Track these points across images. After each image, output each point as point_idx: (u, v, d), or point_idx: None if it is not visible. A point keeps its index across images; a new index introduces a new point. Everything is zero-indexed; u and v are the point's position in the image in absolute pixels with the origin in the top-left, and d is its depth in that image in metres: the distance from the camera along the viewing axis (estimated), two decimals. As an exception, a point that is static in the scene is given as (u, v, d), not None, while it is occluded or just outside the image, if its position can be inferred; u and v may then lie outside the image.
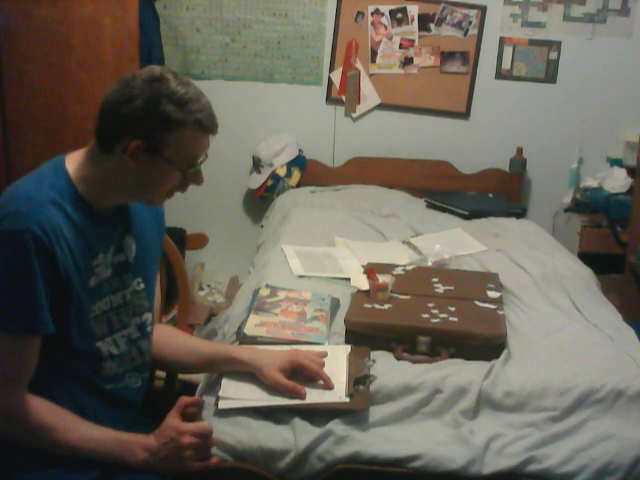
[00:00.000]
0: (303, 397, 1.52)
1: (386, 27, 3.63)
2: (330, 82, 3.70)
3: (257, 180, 3.64)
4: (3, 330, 1.31)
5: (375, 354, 1.74)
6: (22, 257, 1.28)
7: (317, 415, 1.52)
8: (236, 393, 1.55)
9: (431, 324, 1.81)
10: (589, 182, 3.55)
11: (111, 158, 1.38)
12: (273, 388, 1.54)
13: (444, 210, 3.33)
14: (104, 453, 1.37)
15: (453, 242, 2.76)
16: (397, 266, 2.28)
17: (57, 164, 1.41)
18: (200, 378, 1.74)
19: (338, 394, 1.54)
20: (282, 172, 3.60)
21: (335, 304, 2.04)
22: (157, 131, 1.34)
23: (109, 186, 1.40)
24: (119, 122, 1.35)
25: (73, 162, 1.41)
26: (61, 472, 1.38)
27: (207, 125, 1.37)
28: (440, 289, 2.08)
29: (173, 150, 1.36)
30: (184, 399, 1.46)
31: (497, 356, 1.75)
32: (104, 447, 1.37)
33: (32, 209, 1.30)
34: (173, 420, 1.41)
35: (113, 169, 1.38)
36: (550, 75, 3.67)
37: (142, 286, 1.54)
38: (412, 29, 3.63)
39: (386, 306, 1.92)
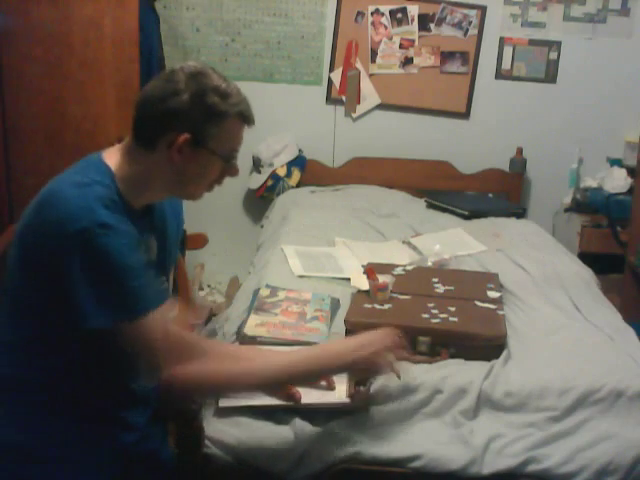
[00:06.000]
0: (298, 401, 1.51)
1: (386, 27, 3.62)
2: (330, 82, 3.70)
3: (257, 180, 3.64)
4: (150, 309, 1.30)
5: (375, 354, 1.74)
6: (110, 246, 1.27)
7: (317, 415, 1.52)
8: (236, 393, 1.55)
9: (431, 324, 1.81)
10: (589, 182, 3.55)
11: (153, 155, 1.37)
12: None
13: (444, 210, 3.33)
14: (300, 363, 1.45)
15: (453, 242, 2.76)
16: (397, 266, 2.28)
17: (97, 162, 1.38)
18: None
19: (339, 395, 1.54)
20: (282, 172, 3.60)
21: (335, 304, 2.04)
22: (203, 123, 1.35)
23: (149, 183, 1.39)
24: (165, 117, 1.34)
25: (112, 161, 1.39)
26: (78, 467, 1.38)
27: (247, 117, 1.42)
28: (440, 289, 2.08)
29: (217, 142, 1.38)
30: None
31: (497, 356, 1.75)
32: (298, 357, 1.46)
33: (88, 207, 1.27)
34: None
35: (155, 165, 1.38)
36: (550, 75, 3.67)
37: (165, 285, 1.54)
38: (412, 29, 3.63)
39: (386, 306, 1.92)
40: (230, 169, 1.44)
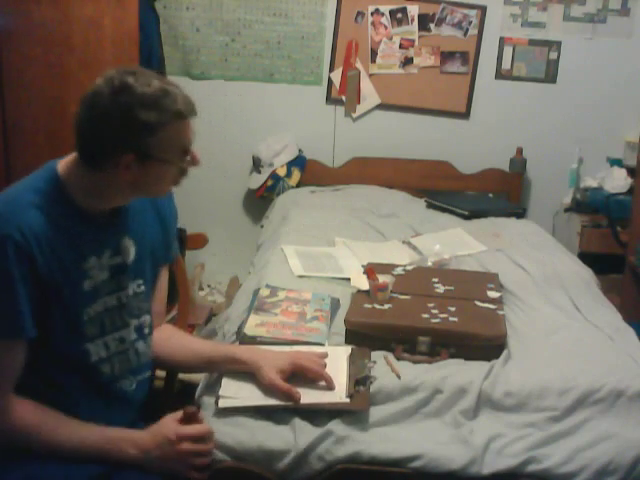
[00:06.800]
0: (297, 401, 1.51)
1: (386, 27, 3.62)
2: (330, 82, 3.70)
3: (257, 180, 3.64)
4: None
5: (375, 354, 1.74)
6: (1, 263, 1.27)
7: (317, 415, 1.52)
8: (236, 392, 1.55)
9: (431, 324, 1.81)
10: (589, 182, 3.55)
11: (102, 172, 1.36)
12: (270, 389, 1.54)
13: (444, 210, 3.33)
14: (91, 451, 1.37)
15: (453, 242, 2.76)
16: (397, 266, 2.27)
17: (48, 168, 1.40)
18: (200, 378, 1.74)
19: (338, 394, 1.54)
20: (282, 172, 3.60)
21: (335, 304, 2.04)
22: (143, 139, 1.32)
23: (105, 194, 1.40)
24: (102, 143, 1.33)
25: (65, 167, 1.40)
26: (61, 465, 1.37)
27: (185, 112, 1.36)
28: (440, 289, 2.08)
29: (163, 150, 1.35)
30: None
31: (497, 356, 1.75)
32: (90, 445, 1.37)
33: (12, 213, 1.30)
34: (172, 422, 1.41)
35: (107, 181, 1.37)
36: (550, 75, 3.67)
37: (142, 288, 1.53)
38: (412, 29, 3.63)
39: (386, 306, 1.92)
40: (190, 163, 1.42)
